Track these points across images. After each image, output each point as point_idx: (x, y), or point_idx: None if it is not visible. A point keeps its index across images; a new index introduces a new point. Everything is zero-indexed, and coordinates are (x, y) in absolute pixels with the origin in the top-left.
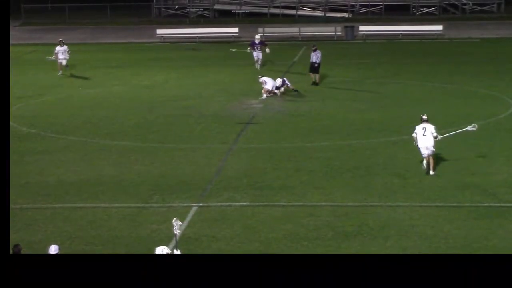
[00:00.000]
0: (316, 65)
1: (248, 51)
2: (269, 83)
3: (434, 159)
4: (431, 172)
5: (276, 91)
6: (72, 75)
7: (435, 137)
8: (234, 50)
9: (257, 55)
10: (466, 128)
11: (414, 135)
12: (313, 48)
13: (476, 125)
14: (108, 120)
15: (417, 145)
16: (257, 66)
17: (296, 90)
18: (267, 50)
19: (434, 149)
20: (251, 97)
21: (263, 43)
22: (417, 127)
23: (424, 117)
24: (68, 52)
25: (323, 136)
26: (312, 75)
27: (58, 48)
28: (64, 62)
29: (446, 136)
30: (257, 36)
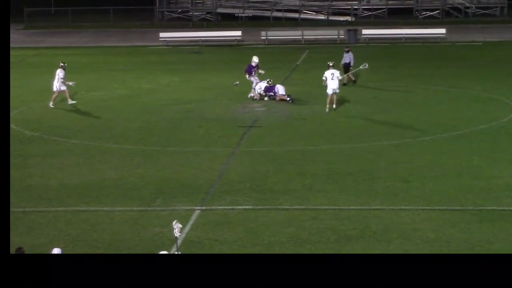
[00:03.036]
0: (350, 66)
1: (248, 78)
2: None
3: (336, 98)
4: (334, 106)
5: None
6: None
7: (339, 78)
8: (237, 83)
9: (255, 80)
10: (359, 68)
11: (324, 78)
12: (346, 50)
13: (366, 64)
14: (110, 124)
15: (326, 86)
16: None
17: (290, 99)
18: (261, 71)
19: (338, 90)
20: (253, 101)
21: (258, 66)
22: (326, 72)
23: (331, 64)
24: None
25: (326, 140)
26: (350, 75)
27: (63, 72)
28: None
29: (344, 76)
30: (256, 59)
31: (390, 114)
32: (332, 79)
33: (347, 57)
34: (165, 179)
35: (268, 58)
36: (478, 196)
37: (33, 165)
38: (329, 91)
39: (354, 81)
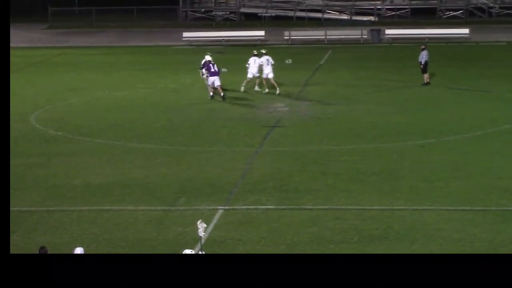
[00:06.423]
0: (421, 66)
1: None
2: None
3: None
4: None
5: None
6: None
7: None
8: (289, 61)
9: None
10: (286, 61)
11: (250, 63)
12: (422, 47)
13: (290, 60)
14: (134, 123)
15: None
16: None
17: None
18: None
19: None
20: (277, 100)
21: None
22: (252, 59)
23: (256, 52)
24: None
25: (349, 140)
26: (423, 75)
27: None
28: (271, 75)
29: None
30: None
31: (414, 114)
32: (268, 65)
33: (421, 55)
34: (189, 178)
35: (291, 58)
36: (502, 197)
37: (57, 164)
38: (264, 75)
39: (428, 83)
